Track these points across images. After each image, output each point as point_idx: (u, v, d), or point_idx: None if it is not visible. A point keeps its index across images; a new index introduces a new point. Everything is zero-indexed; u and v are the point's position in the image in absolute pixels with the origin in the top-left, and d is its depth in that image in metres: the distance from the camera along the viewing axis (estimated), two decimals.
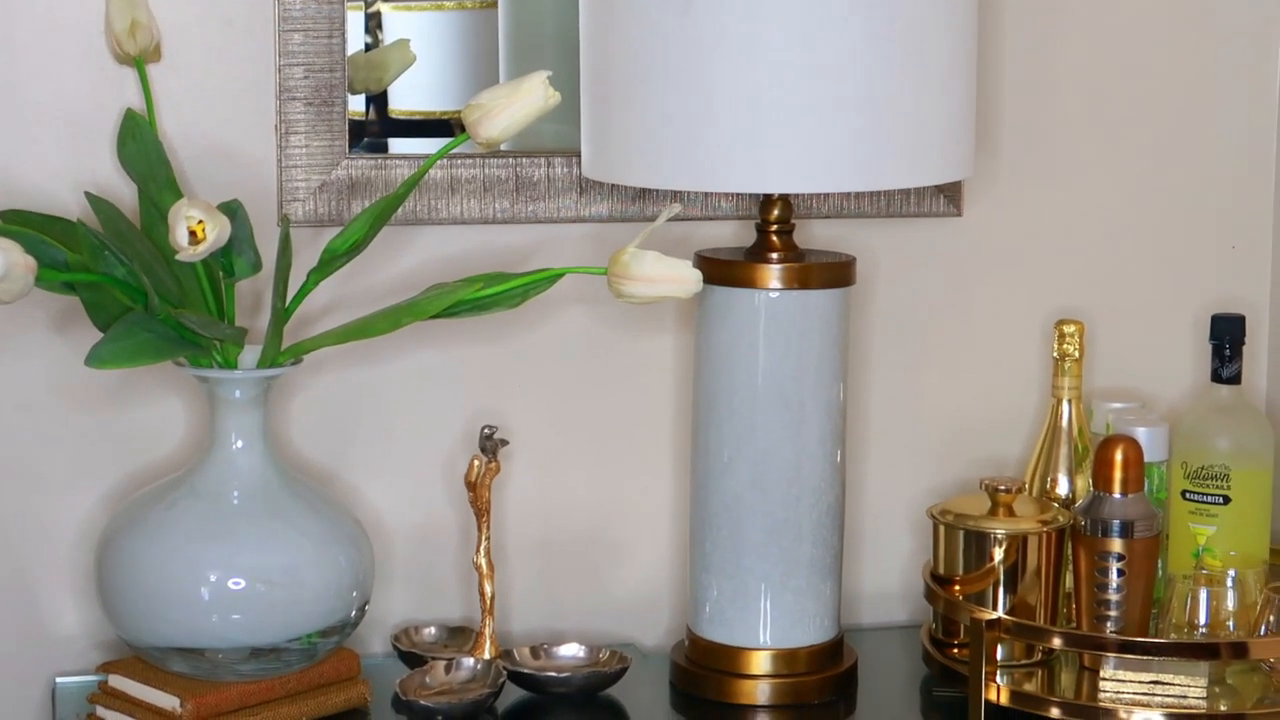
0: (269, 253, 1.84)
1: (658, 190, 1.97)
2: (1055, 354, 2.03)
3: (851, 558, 2.04)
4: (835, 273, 1.89)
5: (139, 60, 1.86)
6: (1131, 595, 1.87)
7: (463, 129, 1.80)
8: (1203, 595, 1.90)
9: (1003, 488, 1.94)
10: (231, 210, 1.78)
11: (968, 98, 1.84)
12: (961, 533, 1.94)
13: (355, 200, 1.96)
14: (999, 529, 1.92)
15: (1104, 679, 1.86)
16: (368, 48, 1.99)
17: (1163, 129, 2.15)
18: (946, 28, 1.79)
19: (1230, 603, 1.90)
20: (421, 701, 1.83)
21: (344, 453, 2.01)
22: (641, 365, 2.07)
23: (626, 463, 2.07)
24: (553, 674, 1.92)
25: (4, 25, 1.89)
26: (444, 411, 2.03)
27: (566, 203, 2.01)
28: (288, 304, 1.81)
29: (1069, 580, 1.93)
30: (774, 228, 1.89)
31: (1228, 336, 1.98)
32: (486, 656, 1.92)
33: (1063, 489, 2.02)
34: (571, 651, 1.96)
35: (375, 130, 2.00)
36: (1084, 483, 1.99)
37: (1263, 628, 1.86)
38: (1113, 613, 1.87)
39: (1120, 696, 1.84)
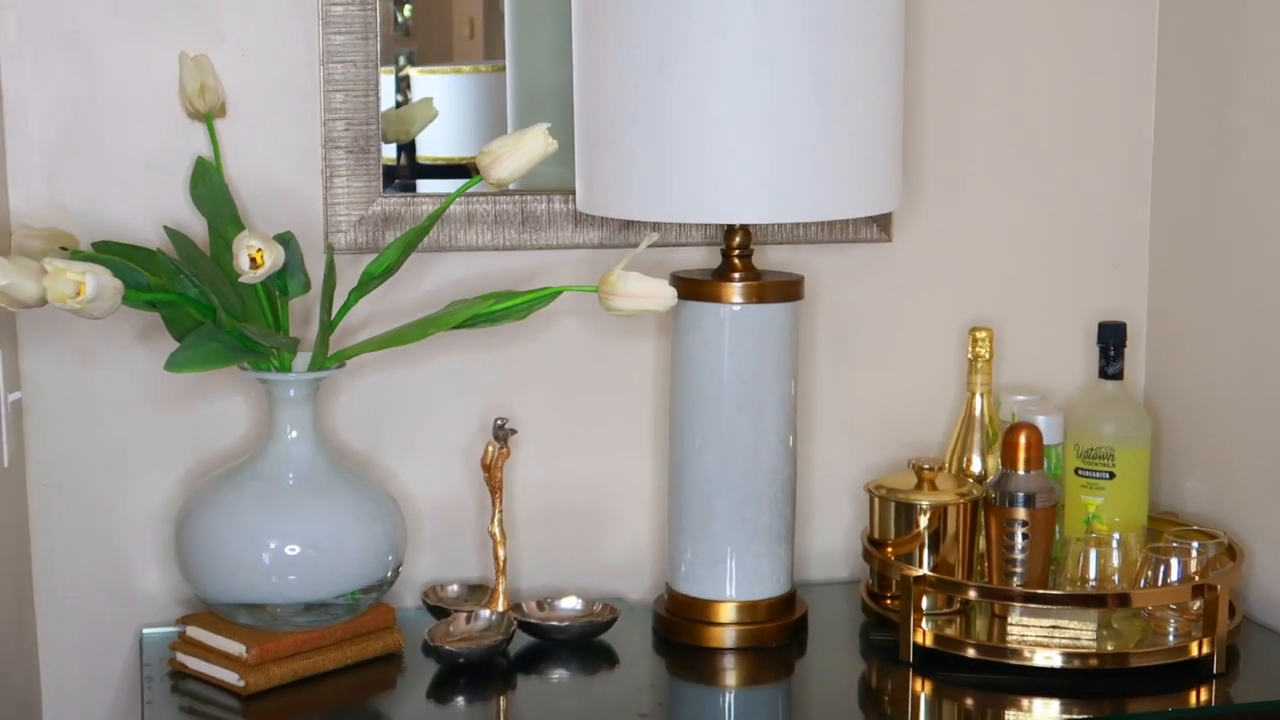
0: (317, 275, 1.84)
1: (640, 221, 1.96)
2: (969, 355, 2.03)
3: (802, 525, 2.04)
4: (787, 289, 1.89)
5: (208, 116, 1.86)
6: (1034, 555, 1.87)
7: (477, 171, 1.80)
8: (1092, 555, 1.91)
9: (926, 466, 1.94)
10: (285, 240, 1.79)
11: (895, 144, 1.84)
12: (893, 504, 1.94)
13: (388, 231, 1.95)
14: (924, 501, 1.92)
15: (1011, 624, 1.86)
16: (398, 105, 1.99)
17: (1056, 170, 2.15)
18: (878, 87, 1.79)
19: (1115, 561, 1.91)
20: (446, 647, 1.83)
21: (380, 441, 2.01)
22: (627, 367, 2.06)
23: (615, 448, 2.07)
24: (555, 623, 1.92)
25: (94, 88, 1.88)
26: (463, 406, 2.02)
27: (564, 232, 2.01)
28: (333, 318, 1.81)
29: (982, 543, 1.93)
30: (736, 252, 1.88)
31: (1112, 340, 1.99)
32: (500, 609, 1.92)
33: (976, 467, 2.02)
34: (570, 604, 1.96)
35: (405, 173, 2.00)
36: (994, 462, 1.99)
37: (1142, 581, 1.87)
38: (1018, 570, 1.87)
39: (1025, 639, 1.84)
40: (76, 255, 1.73)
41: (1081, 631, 1.84)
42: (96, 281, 1.63)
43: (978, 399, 2.02)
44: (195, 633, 1.81)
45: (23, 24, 1.85)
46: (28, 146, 1.87)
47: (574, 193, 1.89)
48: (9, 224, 1.86)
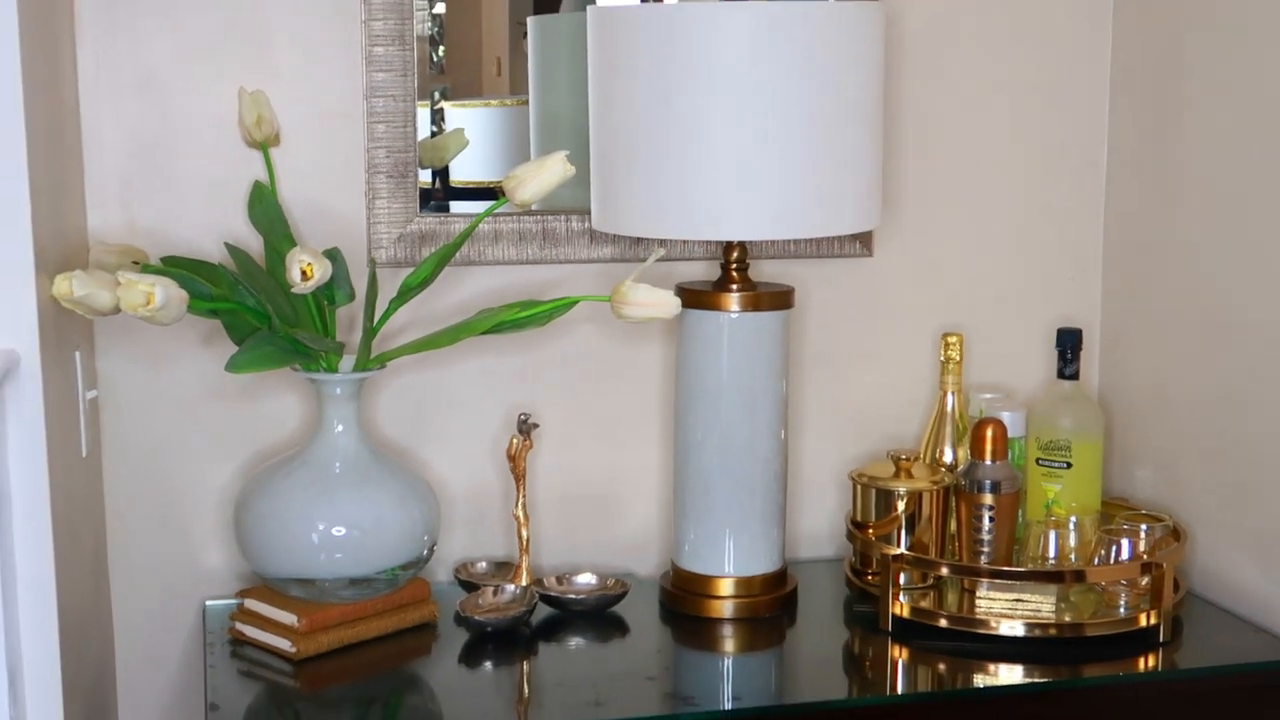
0: (361, 287, 1.85)
1: (648, 238, 1.96)
2: (942, 358, 2.03)
3: (792, 509, 2.04)
4: (779, 299, 1.89)
5: (264, 145, 1.86)
6: (999, 536, 1.87)
7: (503, 194, 1.80)
8: (1052, 536, 1.90)
9: (903, 457, 1.94)
10: (332, 255, 1.79)
11: (875, 170, 1.84)
12: (873, 490, 1.94)
13: (424, 247, 1.96)
14: (901, 487, 1.92)
15: (979, 597, 1.86)
16: (433, 135, 1.99)
17: (1018, 193, 2.15)
18: (860, 120, 1.79)
19: (1072, 541, 1.90)
20: (476, 617, 1.83)
21: (416, 434, 2.01)
22: (636, 368, 2.06)
23: (625, 440, 2.07)
24: (572, 596, 1.92)
25: (163, 121, 1.89)
26: (490, 403, 2.02)
27: (580, 248, 2.01)
28: (374, 324, 1.81)
29: (953, 525, 1.93)
30: (734, 266, 1.88)
31: (1069, 344, 1.98)
32: (523, 583, 1.92)
33: (948, 458, 2.01)
34: (586, 579, 1.96)
35: (439, 195, 1.99)
36: (964, 453, 1.98)
37: (1096, 559, 1.86)
38: (985, 549, 1.87)
39: (991, 610, 1.84)
40: (147, 269, 1.74)
41: (1042, 604, 1.83)
42: (164, 292, 1.64)
43: (949, 397, 2.02)
44: (252, 604, 1.82)
45: (100, 65, 1.86)
46: (104, 172, 1.88)
47: (589, 213, 1.89)
48: (87, 241, 1.87)
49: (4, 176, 1.51)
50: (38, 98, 1.58)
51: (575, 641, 1.86)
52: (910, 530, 1.92)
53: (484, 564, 2.00)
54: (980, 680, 1.77)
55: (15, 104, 1.50)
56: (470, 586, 1.94)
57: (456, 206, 2.00)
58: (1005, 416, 1.96)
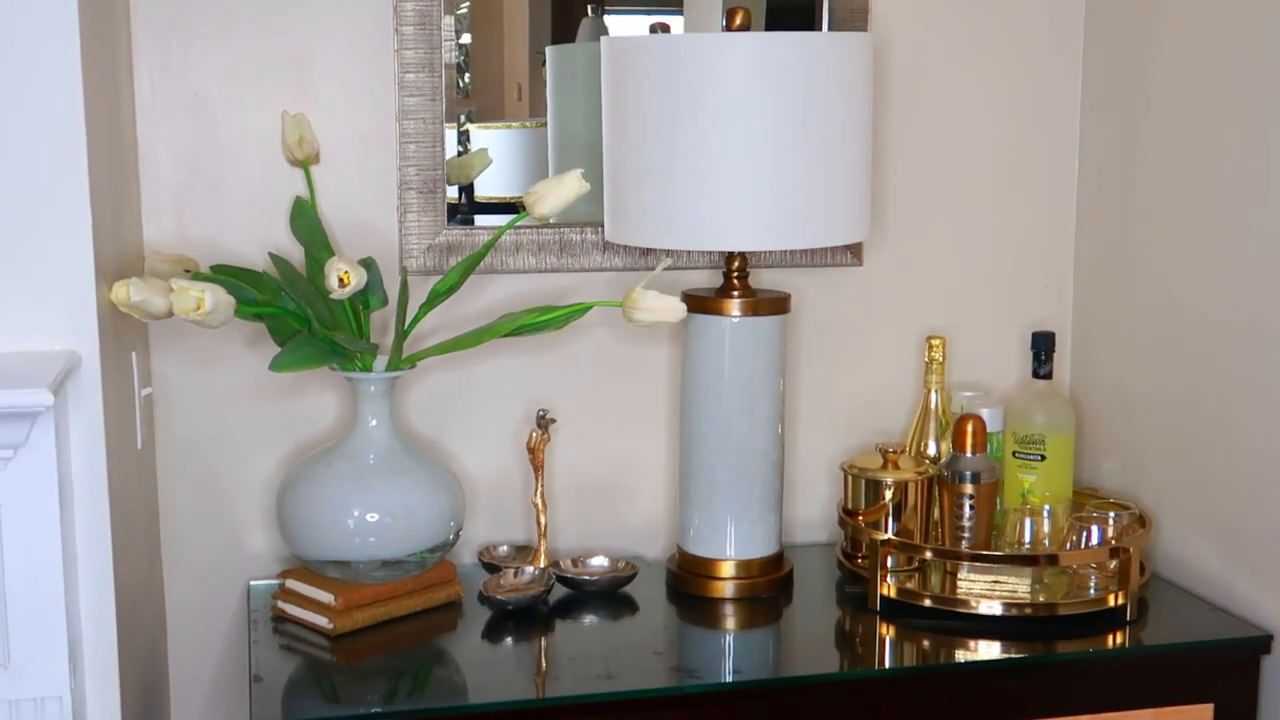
0: (393, 293, 1.84)
1: (656, 249, 1.96)
2: (926, 359, 2.02)
3: (788, 497, 2.04)
4: (776, 305, 1.88)
5: (304, 163, 1.85)
6: (979, 522, 1.87)
7: (524, 208, 1.80)
8: (1027, 523, 1.90)
9: (891, 449, 1.94)
10: (367, 264, 1.79)
11: (865, 186, 1.83)
12: (863, 480, 1.93)
13: (451, 257, 1.95)
14: (888, 478, 1.91)
15: (960, 579, 1.85)
16: (459, 154, 1.98)
17: (996, 207, 2.14)
18: (851, 140, 1.79)
19: (1046, 527, 1.90)
20: (497, 597, 1.83)
21: (444, 428, 2.00)
22: (645, 368, 2.06)
23: (635, 434, 2.06)
24: (587, 577, 1.92)
25: (213, 139, 1.89)
26: (511, 399, 2.02)
27: (594, 258, 2.00)
28: (406, 328, 1.81)
29: (936, 512, 1.92)
30: (735, 274, 1.88)
31: (1042, 346, 1.98)
32: (541, 565, 1.92)
33: (931, 451, 2.00)
34: (599, 562, 1.96)
35: (465, 210, 1.99)
36: (946, 446, 1.98)
37: (1068, 544, 1.86)
38: (966, 535, 1.87)
39: (972, 591, 1.83)
40: (197, 276, 1.73)
41: (1018, 585, 1.83)
42: (214, 297, 1.64)
43: (933, 394, 2.01)
44: (293, 584, 1.81)
45: (154, 87, 1.86)
46: (158, 187, 1.88)
47: (603, 225, 1.89)
48: (143, 251, 1.87)
49: (68, 192, 1.52)
50: (98, 119, 1.58)
51: (589, 619, 1.86)
52: (897, 517, 1.91)
53: (505, 547, 2.00)
54: (961, 656, 1.76)
55: (78, 125, 1.51)
56: (492, 568, 1.94)
57: (481, 220, 2.00)
58: (984, 413, 1.95)
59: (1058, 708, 1.73)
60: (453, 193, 1.97)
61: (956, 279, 2.14)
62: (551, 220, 1.91)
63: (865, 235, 1.87)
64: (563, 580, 1.91)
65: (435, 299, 1.82)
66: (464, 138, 1.99)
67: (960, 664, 1.75)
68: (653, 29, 2.02)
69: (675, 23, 2.03)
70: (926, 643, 1.79)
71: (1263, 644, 1.77)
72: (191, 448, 1.94)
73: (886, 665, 1.76)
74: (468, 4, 1.96)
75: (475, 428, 2.01)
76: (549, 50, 2.00)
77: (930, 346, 2.01)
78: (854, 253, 2.09)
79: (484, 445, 2.02)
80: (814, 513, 2.12)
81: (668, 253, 1.96)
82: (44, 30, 1.48)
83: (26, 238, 1.51)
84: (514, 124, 2.02)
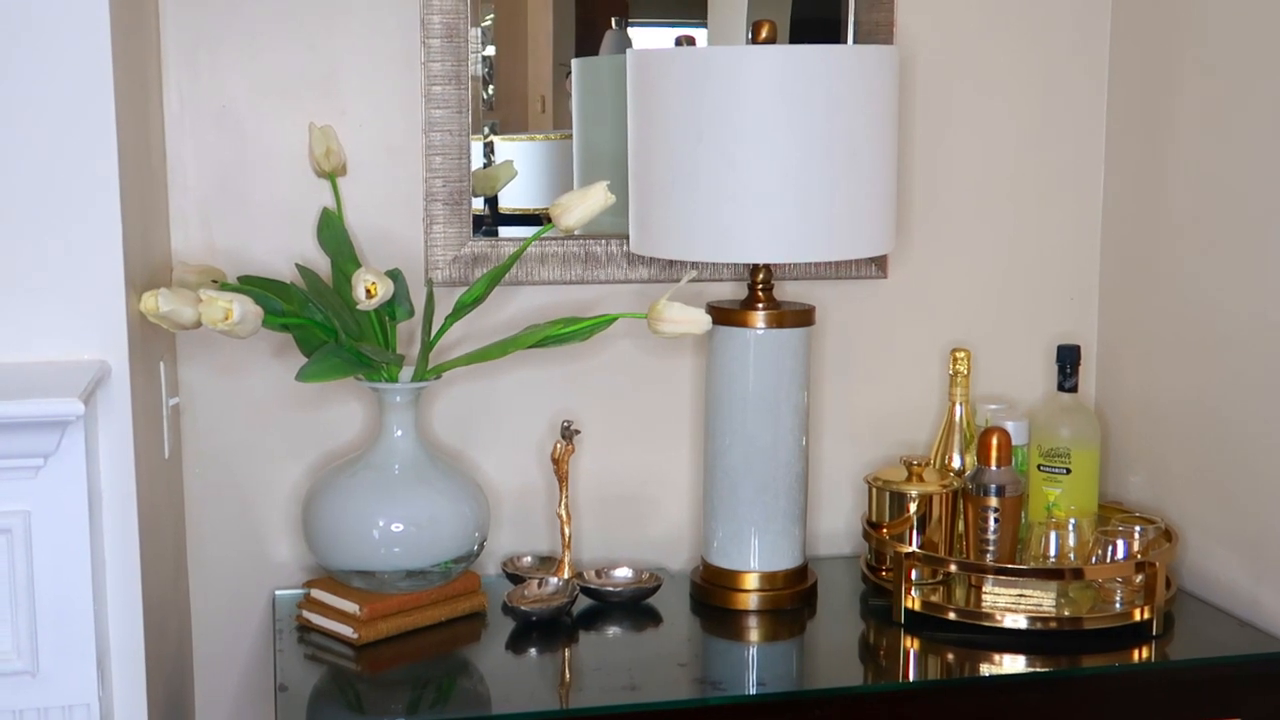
0: (419, 304, 1.85)
1: (681, 261, 1.96)
2: (950, 371, 2.02)
3: (812, 509, 2.03)
4: (801, 317, 1.88)
5: (331, 175, 1.86)
6: (1004, 536, 1.86)
7: (549, 220, 1.80)
8: (1052, 536, 1.89)
9: (915, 462, 1.94)
10: (394, 276, 1.79)
11: (890, 199, 1.83)
12: (887, 493, 1.93)
13: (477, 269, 1.96)
14: (913, 490, 1.91)
15: (985, 593, 1.85)
16: (485, 166, 1.99)
17: (1021, 220, 2.14)
18: (876, 153, 1.79)
19: (1071, 541, 1.89)
20: (521, 607, 1.83)
21: (468, 438, 2.01)
22: (670, 379, 2.06)
23: (659, 445, 2.06)
24: (610, 589, 1.92)
25: (241, 151, 1.90)
26: (536, 410, 2.02)
27: (619, 270, 2.01)
28: (431, 339, 1.82)
29: (961, 525, 1.92)
30: (760, 286, 1.88)
31: (1068, 360, 1.98)
32: (565, 576, 1.92)
33: (956, 463, 2.00)
34: (623, 573, 1.96)
35: (490, 221, 1.99)
36: (971, 459, 1.98)
37: (1093, 558, 1.86)
38: (991, 548, 1.86)
39: (996, 604, 1.83)
40: (225, 287, 1.74)
41: (1043, 599, 1.83)
42: (241, 308, 1.65)
43: (957, 407, 2.01)
44: (318, 594, 1.82)
45: (183, 100, 1.88)
46: (186, 198, 1.89)
47: (628, 237, 1.89)
48: (171, 262, 1.88)
49: (99, 204, 1.53)
50: (129, 131, 1.60)
51: (613, 630, 1.86)
52: (921, 530, 1.91)
53: (529, 558, 2.00)
54: (986, 669, 1.76)
55: (110, 138, 1.52)
56: (516, 579, 1.94)
57: (506, 231, 2.00)
58: (1009, 426, 1.95)
59: None
60: (478, 204, 1.98)
61: (981, 291, 2.14)
62: (577, 232, 1.92)
63: (890, 247, 1.87)
64: (586, 591, 1.91)
65: (461, 310, 1.82)
66: (489, 150, 1.99)
67: (985, 678, 1.74)
68: (678, 41, 2.03)
69: (699, 35, 2.03)
70: (951, 656, 1.79)
71: None
72: (218, 457, 1.94)
73: (911, 678, 1.76)
74: (492, 16, 1.97)
75: (500, 439, 2.02)
76: (574, 63, 2.01)
77: (955, 359, 2.01)
78: (879, 265, 2.09)
79: (508, 456, 2.02)
80: (838, 525, 2.12)
81: (693, 265, 1.96)
82: (77, 43, 1.50)
83: (58, 248, 1.52)
84: (538, 136, 2.03)
